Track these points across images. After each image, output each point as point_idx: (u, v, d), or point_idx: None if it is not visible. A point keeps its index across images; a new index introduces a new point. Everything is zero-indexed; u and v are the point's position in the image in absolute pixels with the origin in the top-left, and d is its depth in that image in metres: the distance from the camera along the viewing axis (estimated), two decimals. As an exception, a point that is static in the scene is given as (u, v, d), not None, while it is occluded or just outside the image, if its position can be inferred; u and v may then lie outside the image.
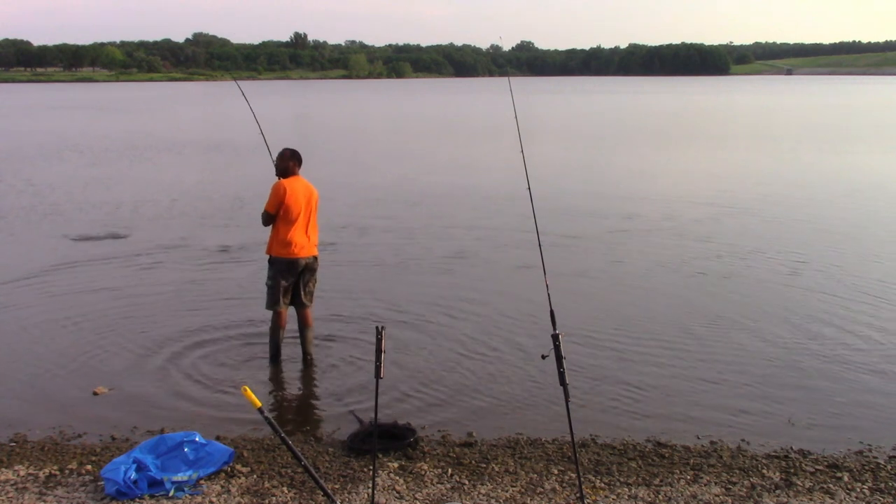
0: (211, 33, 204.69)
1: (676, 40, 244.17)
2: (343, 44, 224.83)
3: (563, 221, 12.77)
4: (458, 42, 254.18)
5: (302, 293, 6.49)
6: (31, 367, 6.60)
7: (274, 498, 4.34)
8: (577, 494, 4.26)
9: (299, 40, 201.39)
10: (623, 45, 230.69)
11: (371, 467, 4.50)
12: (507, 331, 7.47)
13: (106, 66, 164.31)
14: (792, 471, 4.74)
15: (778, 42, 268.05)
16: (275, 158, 6.43)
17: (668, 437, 5.28)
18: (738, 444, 5.20)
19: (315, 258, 6.49)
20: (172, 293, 8.79)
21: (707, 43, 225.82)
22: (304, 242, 6.34)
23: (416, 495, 4.38)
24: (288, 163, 6.37)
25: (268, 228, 6.43)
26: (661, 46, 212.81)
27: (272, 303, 6.42)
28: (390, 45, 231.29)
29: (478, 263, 10.30)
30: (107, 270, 9.85)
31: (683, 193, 15.97)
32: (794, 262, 10.20)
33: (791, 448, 5.11)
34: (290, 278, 6.37)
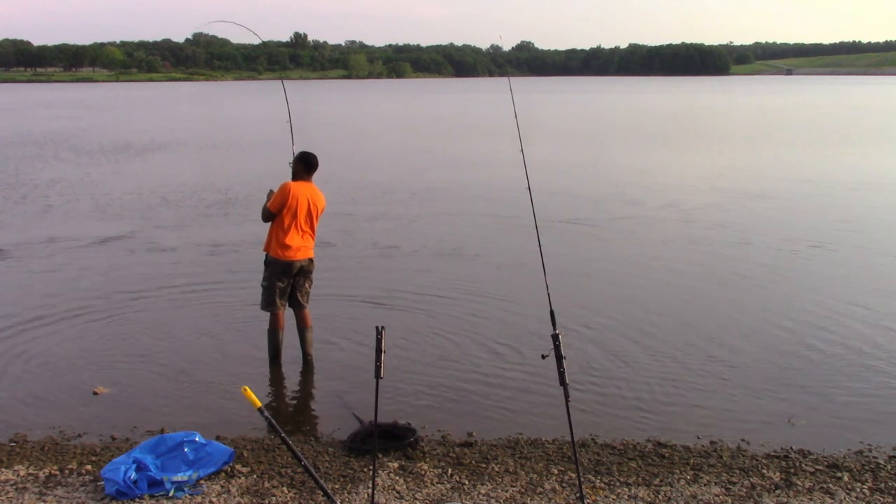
0: (211, 33, 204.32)
1: (676, 40, 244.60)
2: (343, 44, 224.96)
3: (564, 216, 12.77)
4: (458, 42, 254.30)
5: (298, 294, 6.56)
6: (30, 366, 6.60)
7: (274, 498, 4.34)
8: (577, 494, 4.26)
9: (299, 40, 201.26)
10: (623, 45, 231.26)
11: (371, 467, 4.50)
12: (508, 330, 7.47)
13: (106, 66, 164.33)
14: (792, 471, 4.74)
15: (778, 42, 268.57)
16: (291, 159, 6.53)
17: (668, 437, 5.28)
18: (738, 444, 5.20)
19: (311, 260, 6.55)
20: (171, 291, 8.79)
21: (707, 43, 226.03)
22: (300, 245, 6.41)
23: (416, 495, 4.38)
24: (297, 166, 6.47)
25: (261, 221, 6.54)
26: (661, 46, 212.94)
27: (267, 304, 6.49)
28: (390, 45, 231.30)
29: (478, 261, 10.29)
30: (102, 266, 9.87)
31: (683, 190, 15.95)
32: (794, 259, 10.21)
33: (791, 448, 5.11)
34: (285, 280, 6.44)
